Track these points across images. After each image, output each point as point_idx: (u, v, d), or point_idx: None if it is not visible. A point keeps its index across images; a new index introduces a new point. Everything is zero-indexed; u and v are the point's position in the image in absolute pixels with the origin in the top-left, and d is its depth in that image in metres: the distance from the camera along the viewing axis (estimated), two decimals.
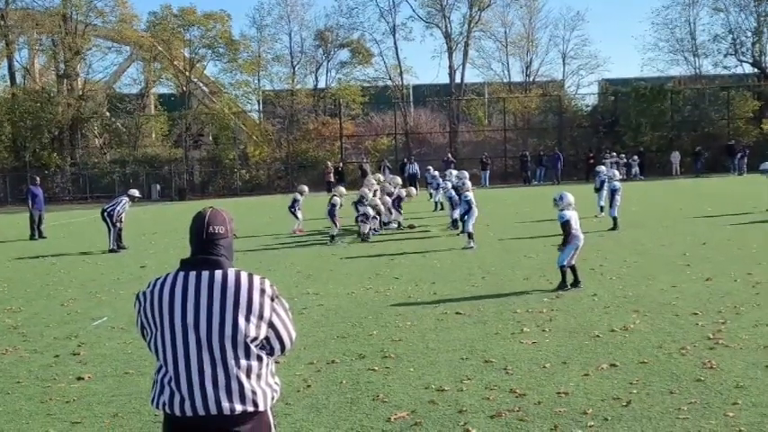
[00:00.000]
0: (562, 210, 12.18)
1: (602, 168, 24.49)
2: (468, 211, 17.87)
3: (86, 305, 12.69)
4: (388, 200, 22.93)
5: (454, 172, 25.83)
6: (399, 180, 25.71)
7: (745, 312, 9.99)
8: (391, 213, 22.89)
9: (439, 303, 11.51)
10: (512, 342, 9.01)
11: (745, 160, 44.95)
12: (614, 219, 19.88)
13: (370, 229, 20.46)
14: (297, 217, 22.70)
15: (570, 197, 12.32)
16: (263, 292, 3.59)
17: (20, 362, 9.16)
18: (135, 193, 21.81)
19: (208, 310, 3.51)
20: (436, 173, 32.08)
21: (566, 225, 12.08)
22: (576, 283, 12.08)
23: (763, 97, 52.37)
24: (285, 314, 3.69)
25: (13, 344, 10.10)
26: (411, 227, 22.76)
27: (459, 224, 19.69)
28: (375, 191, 23.00)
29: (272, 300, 3.62)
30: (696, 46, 57.94)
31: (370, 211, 20.60)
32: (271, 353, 3.67)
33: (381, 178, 25.19)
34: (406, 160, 46.56)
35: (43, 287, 14.87)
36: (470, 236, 17.72)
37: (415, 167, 42.48)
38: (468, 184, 19.09)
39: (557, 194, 12.55)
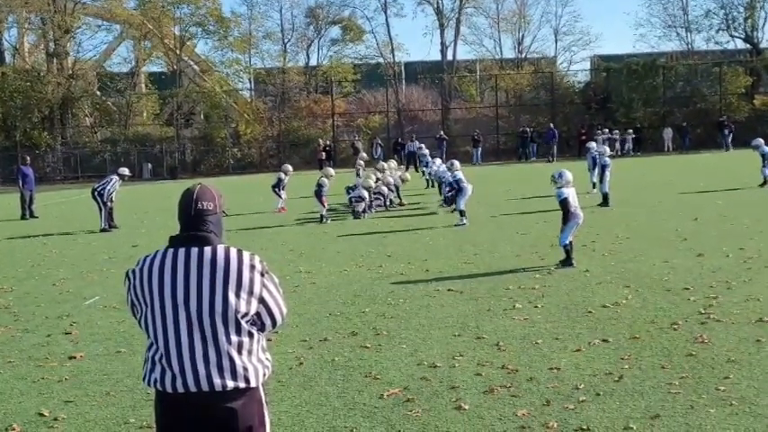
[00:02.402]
0: (560, 187, 12.10)
1: (593, 145, 24.51)
2: (459, 191, 17.88)
3: (78, 284, 12.66)
4: (390, 180, 23.03)
5: (438, 161, 25.97)
6: (394, 164, 25.92)
7: (736, 287, 10.02)
8: (394, 193, 23.00)
9: (431, 280, 11.52)
10: (504, 318, 9.03)
11: (731, 136, 45.04)
12: (605, 195, 19.91)
13: (364, 209, 20.51)
14: (280, 196, 22.73)
15: (569, 175, 12.23)
16: (252, 267, 3.57)
17: (11, 341, 9.14)
18: (125, 171, 21.75)
19: (198, 287, 3.50)
20: (426, 151, 32.04)
21: (564, 203, 12.01)
22: (570, 261, 12.05)
23: (755, 73, 52.31)
24: (275, 289, 3.69)
25: (4, 323, 10.07)
26: (401, 204, 22.80)
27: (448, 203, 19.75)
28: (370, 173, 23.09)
29: (262, 275, 3.61)
30: (688, 21, 57.76)
31: (365, 194, 20.68)
32: (262, 329, 3.67)
33: (384, 166, 25.06)
34: (401, 139, 46.21)
35: (34, 267, 14.83)
36: (462, 213, 17.72)
37: (415, 146, 41.68)
38: (457, 164, 19.09)
39: (555, 172, 12.45)
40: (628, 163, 36.55)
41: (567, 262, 11.96)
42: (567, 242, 12.02)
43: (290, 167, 24.03)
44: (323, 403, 6.52)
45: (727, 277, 10.64)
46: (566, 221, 12.03)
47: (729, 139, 45.01)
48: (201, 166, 51.14)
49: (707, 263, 11.79)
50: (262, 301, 3.60)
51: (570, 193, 12.07)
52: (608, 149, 23.32)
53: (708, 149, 45.13)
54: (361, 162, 29.39)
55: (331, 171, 22.17)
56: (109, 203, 20.31)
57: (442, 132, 47.50)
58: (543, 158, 44.90)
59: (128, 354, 8.28)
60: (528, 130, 47.83)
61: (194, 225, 3.63)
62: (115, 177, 20.94)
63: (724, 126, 45.80)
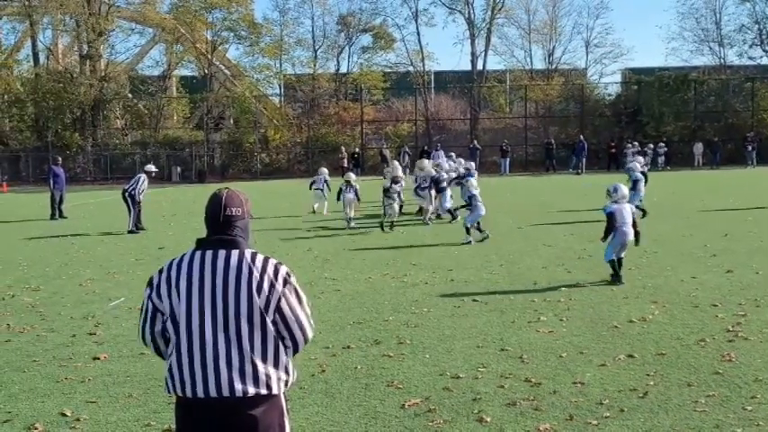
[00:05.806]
0: (614, 201, 11.86)
1: (635, 165, 24.06)
2: (470, 207, 17.12)
3: (104, 285, 12.74)
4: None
5: (453, 164, 25.71)
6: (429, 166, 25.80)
7: (765, 305, 9.88)
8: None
9: (456, 291, 11.46)
10: (528, 331, 8.96)
11: (754, 153, 44.57)
12: (638, 207, 19.62)
13: (390, 217, 20.34)
14: (324, 197, 23.55)
15: (624, 189, 11.97)
16: (277, 274, 3.56)
17: (37, 340, 9.20)
18: (151, 168, 21.96)
19: (224, 290, 3.50)
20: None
21: (609, 217, 11.70)
22: (617, 278, 11.75)
23: None
24: (296, 302, 3.66)
25: (30, 322, 10.15)
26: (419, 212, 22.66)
27: (457, 213, 19.50)
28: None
29: (285, 285, 3.59)
30: (721, 36, 57.29)
31: (399, 173, 20.65)
32: (283, 342, 3.64)
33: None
34: (426, 147, 46.10)
35: (62, 267, 14.95)
36: (467, 230, 16.99)
37: (441, 155, 41.44)
38: (473, 181, 18.25)
39: (611, 186, 12.06)
40: (657, 177, 36.22)
41: (614, 278, 11.64)
42: (612, 258, 11.76)
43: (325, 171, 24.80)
44: (344, 411, 6.50)
45: (757, 295, 10.50)
46: (606, 236, 11.77)
47: (754, 155, 44.56)
48: (230, 171, 51.41)
49: (736, 280, 11.63)
50: (279, 310, 3.58)
51: (619, 208, 11.75)
52: (642, 161, 23.03)
53: (738, 165, 44.69)
54: (390, 171, 29.34)
55: (352, 175, 21.55)
56: (138, 204, 20.47)
57: (475, 142, 47.43)
58: (574, 171, 44.53)
59: (151, 356, 8.26)
60: (553, 141, 47.60)
61: (222, 230, 3.65)
62: (143, 176, 21.10)
63: (749, 142, 45.33)
